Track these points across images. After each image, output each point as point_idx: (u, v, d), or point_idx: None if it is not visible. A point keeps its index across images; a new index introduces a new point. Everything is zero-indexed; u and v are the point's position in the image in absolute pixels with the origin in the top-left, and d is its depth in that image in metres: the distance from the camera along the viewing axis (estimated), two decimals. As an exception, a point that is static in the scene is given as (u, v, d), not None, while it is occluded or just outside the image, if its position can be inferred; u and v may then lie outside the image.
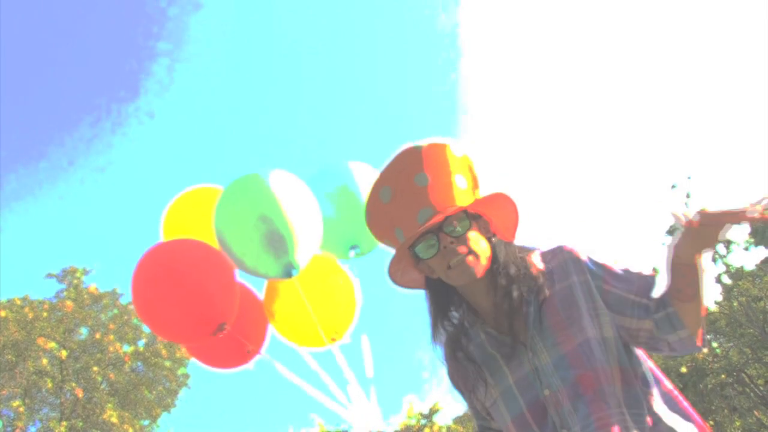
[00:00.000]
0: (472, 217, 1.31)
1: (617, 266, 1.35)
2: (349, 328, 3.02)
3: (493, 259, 1.32)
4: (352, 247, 2.74)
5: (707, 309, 1.32)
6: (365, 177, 2.78)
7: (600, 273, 1.33)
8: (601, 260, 1.35)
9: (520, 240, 1.40)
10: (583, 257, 1.34)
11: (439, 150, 1.30)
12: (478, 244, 1.30)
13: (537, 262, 1.36)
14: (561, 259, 1.35)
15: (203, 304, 2.48)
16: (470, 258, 1.27)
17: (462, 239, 1.27)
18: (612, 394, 1.22)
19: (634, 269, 1.33)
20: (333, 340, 2.90)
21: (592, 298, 1.30)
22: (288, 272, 2.43)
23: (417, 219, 1.26)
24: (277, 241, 2.38)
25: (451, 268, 1.27)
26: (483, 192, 1.35)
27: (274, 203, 2.39)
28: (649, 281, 1.30)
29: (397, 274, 1.37)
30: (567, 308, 1.29)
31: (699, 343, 1.29)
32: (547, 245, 1.42)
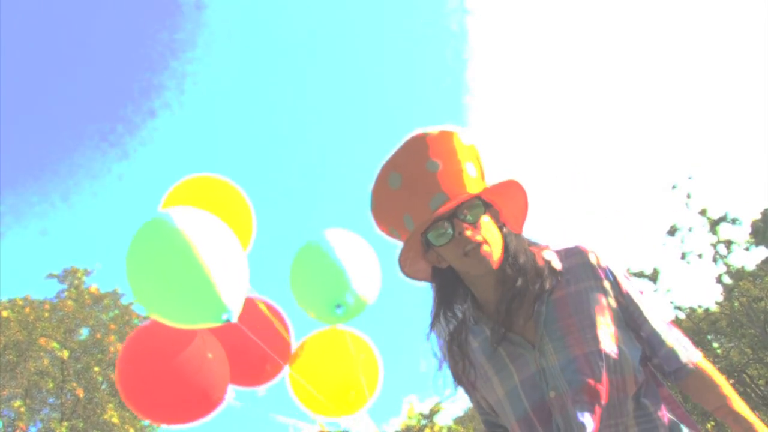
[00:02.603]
0: (484, 204, 1.29)
1: (629, 282, 1.34)
2: (367, 401, 3.13)
3: (505, 249, 1.30)
4: (338, 306, 2.90)
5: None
6: (340, 241, 2.96)
7: (615, 282, 1.32)
8: (617, 270, 1.34)
9: (529, 234, 1.38)
10: (603, 263, 1.33)
11: (448, 137, 1.28)
12: (492, 232, 1.28)
13: (552, 258, 1.33)
14: (578, 260, 1.33)
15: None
16: (485, 247, 1.25)
17: (476, 226, 1.26)
18: (620, 405, 1.21)
19: (637, 296, 1.34)
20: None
21: (609, 306, 1.28)
22: (223, 319, 2.29)
23: (429, 205, 1.24)
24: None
25: (467, 255, 1.24)
26: (491, 181, 1.33)
27: (184, 248, 2.17)
28: (641, 320, 1.32)
29: (407, 262, 1.34)
30: (580, 312, 1.26)
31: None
32: (563, 243, 1.39)
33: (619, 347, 1.24)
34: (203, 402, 2.47)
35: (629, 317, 1.31)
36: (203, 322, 2.32)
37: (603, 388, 1.20)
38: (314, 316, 2.98)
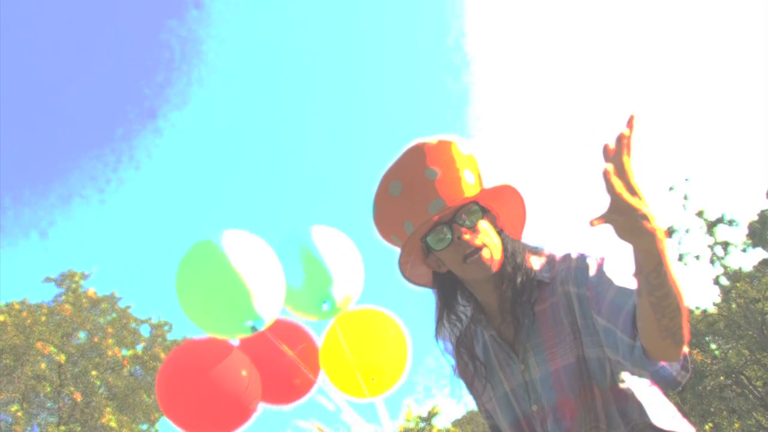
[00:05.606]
0: (482, 210, 1.31)
1: (599, 269, 1.20)
2: (396, 382, 3.14)
3: (504, 251, 1.31)
4: (324, 302, 2.90)
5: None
6: (325, 238, 2.96)
7: (584, 281, 1.22)
8: (591, 267, 1.22)
9: (529, 238, 1.39)
10: (593, 270, 1.22)
11: (446, 146, 1.31)
12: (491, 236, 1.29)
13: (537, 266, 1.32)
14: (566, 266, 1.28)
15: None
16: (485, 252, 1.26)
17: (475, 230, 1.27)
18: (590, 412, 1.21)
19: (606, 275, 1.17)
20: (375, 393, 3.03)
21: (583, 313, 1.21)
22: (253, 329, 2.48)
23: (429, 210, 1.26)
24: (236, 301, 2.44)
25: (467, 262, 1.25)
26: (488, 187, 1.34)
27: (226, 265, 2.42)
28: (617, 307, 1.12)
29: (406, 266, 1.36)
30: (559, 323, 1.25)
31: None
32: (560, 250, 1.34)
33: (587, 357, 1.22)
34: (236, 415, 2.62)
35: (594, 302, 1.17)
36: (233, 331, 2.50)
37: (576, 404, 1.21)
38: (300, 314, 3.01)
